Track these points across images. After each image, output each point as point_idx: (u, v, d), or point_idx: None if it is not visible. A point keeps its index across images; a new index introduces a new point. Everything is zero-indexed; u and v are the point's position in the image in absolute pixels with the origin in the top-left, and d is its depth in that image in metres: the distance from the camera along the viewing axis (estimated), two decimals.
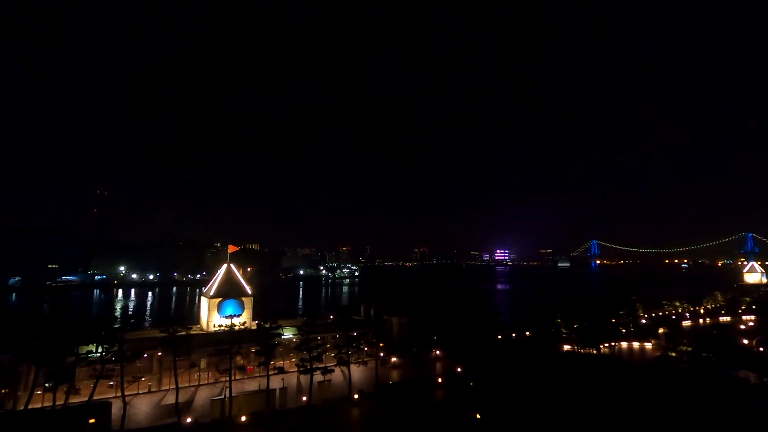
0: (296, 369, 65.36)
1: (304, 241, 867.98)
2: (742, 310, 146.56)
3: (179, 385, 57.37)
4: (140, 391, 58.22)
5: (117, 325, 58.85)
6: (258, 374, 65.57)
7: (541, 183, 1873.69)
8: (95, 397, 53.50)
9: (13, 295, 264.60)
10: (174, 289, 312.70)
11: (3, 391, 52.74)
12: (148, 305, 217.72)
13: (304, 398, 63.92)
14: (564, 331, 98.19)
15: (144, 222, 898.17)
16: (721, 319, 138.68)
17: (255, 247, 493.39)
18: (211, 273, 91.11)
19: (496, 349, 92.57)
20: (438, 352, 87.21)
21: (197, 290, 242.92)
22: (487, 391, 66.97)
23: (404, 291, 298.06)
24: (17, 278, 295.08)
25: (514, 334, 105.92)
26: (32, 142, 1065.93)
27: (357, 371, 70.40)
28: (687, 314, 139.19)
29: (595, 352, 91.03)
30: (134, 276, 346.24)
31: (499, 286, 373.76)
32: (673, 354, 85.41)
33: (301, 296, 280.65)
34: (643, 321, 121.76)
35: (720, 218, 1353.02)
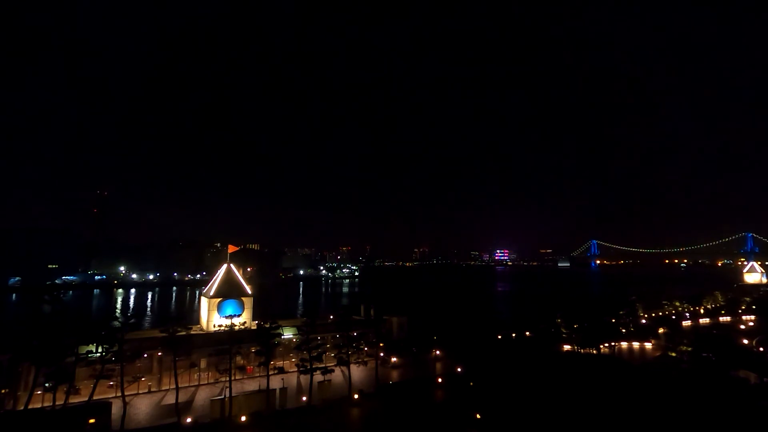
0: (296, 369, 65.38)
1: (304, 241, 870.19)
2: (742, 310, 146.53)
3: (179, 385, 57.36)
4: (140, 391, 58.23)
5: (117, 325, 58.77)
6: (258, 374, 65.58)
7: (541, 183, 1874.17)
8: (95, 397, 53.49)
9: (13, 295, 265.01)
10: (174, 289, 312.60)
11: (3, 391, 52.73)
12: (148, 305, 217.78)
13: (304, 398, 63.92)
14: (564, 331, 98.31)
15: (144, 222, 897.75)
16: (721, 319, 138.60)
17: (255, 247, 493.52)
18: (211, 273, 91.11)
19: (496, 349, 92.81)
20: (438, 352, 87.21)
21: (197, 290, 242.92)
22: (487, 391, 67.06)
23: (404, 291, 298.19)
24: (17, 278, 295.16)
25: (514, 334, 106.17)
26: (32, 142, 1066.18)
27: (357, 371, 70.37)
28: (687, 314, 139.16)
29: (595, 352, 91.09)
30: (134, 276, 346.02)
31: (499, 286, 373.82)
32: (673, 354, 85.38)
33: (301, 296, 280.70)
34: (643, 321, 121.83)
35: (720, 218, 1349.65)
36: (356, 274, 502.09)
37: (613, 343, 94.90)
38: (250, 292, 78.15)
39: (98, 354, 55.58)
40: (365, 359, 73.01)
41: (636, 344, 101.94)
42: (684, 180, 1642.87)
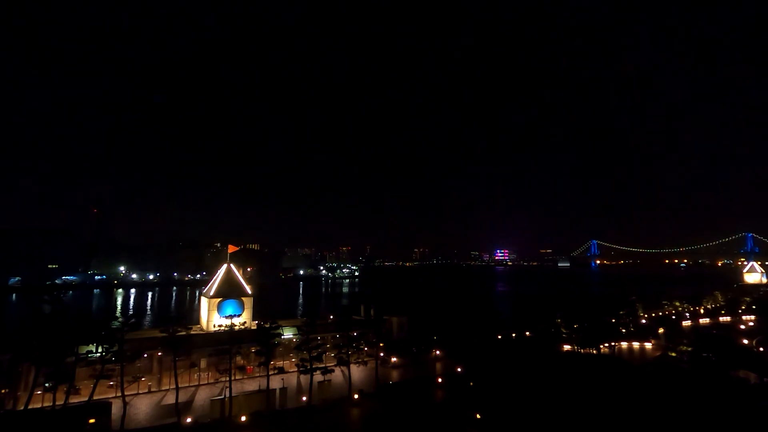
0: (296, 369, 65.36)
1: (304, 241, 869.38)
2: (742, 310, 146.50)
3: (179, 385, 57.34)
4: (140, 391, 58.15)
5: (117, 325, 58.72)
6: (258, 374, 65.52)
7: (541, 183, 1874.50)
8: (95, 397, 53.45)
9: (13, 295, 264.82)
10: (174, 289, 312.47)
11: (3, 391, 52.69)
12: (148, 305, 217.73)
13: (304, 398, 63.93)
14: (564, 331, 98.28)
15: (144, 222, 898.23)
16: (721, 319, 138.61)
17: (255, 247, 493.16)
18: (211, 273, 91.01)
19: (496, 349, 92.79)
20: (438, 352, 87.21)
21: (197, 290, 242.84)
22: (487, 391, 67.06)
23: (404, 291, 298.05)
24: (17, 278, 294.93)
25: (514, 334, 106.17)
26: (33, 142, 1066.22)
27: (357, 371, 70.36)
28: (687, 314, 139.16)
29: (595, 352, 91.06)
30: (134, 276, 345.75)
31: (499, 286, 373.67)
32: (673, 354, 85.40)
33: (301, 296, 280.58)
34: (643, 321, 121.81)
35: (720, 218, 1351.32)
36: (356, 274, 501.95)
37: (613, 343, 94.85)
38: (250, 292, 78.07)
39: (98, 354, 55.46)
40: (365, 359, 72.95)
41: (636, 344, 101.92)
42: (684, 180, 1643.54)
